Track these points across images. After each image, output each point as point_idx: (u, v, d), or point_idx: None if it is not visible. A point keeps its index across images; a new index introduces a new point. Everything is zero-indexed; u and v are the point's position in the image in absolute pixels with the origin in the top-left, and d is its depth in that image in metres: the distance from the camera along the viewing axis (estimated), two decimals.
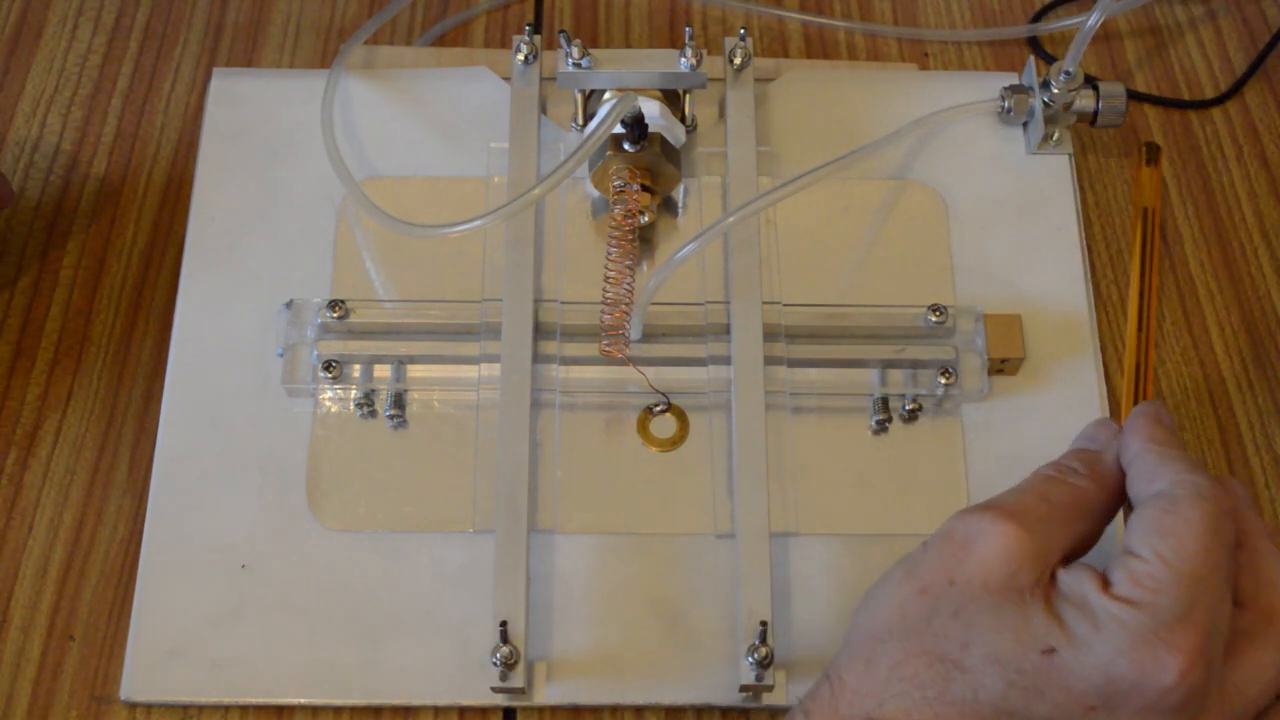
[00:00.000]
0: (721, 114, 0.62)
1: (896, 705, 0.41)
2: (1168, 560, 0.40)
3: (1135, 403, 0.57)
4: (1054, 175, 0.62)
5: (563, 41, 0.57)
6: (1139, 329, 0.59)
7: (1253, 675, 0.41)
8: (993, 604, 0.41)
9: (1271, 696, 0.42)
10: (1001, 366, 0.57)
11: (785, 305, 0.57)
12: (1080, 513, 0.44)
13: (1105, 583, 0.41)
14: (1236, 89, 0.67)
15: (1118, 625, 0.39)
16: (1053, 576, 0.42)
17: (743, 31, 0.62)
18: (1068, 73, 0.60)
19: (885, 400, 0.56)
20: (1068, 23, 0.68)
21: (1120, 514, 0.45)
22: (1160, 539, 0.40)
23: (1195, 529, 0.40)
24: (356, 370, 0.56)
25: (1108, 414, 0.57)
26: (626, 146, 0.57)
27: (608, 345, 0.56)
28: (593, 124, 0.57)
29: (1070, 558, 0.43)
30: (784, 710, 0.51)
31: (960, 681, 0.41)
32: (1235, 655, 0.41)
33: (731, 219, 0.54)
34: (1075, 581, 0.41)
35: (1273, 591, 0.42)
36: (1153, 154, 0.63)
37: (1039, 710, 0.40)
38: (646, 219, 0.58)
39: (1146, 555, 0.40)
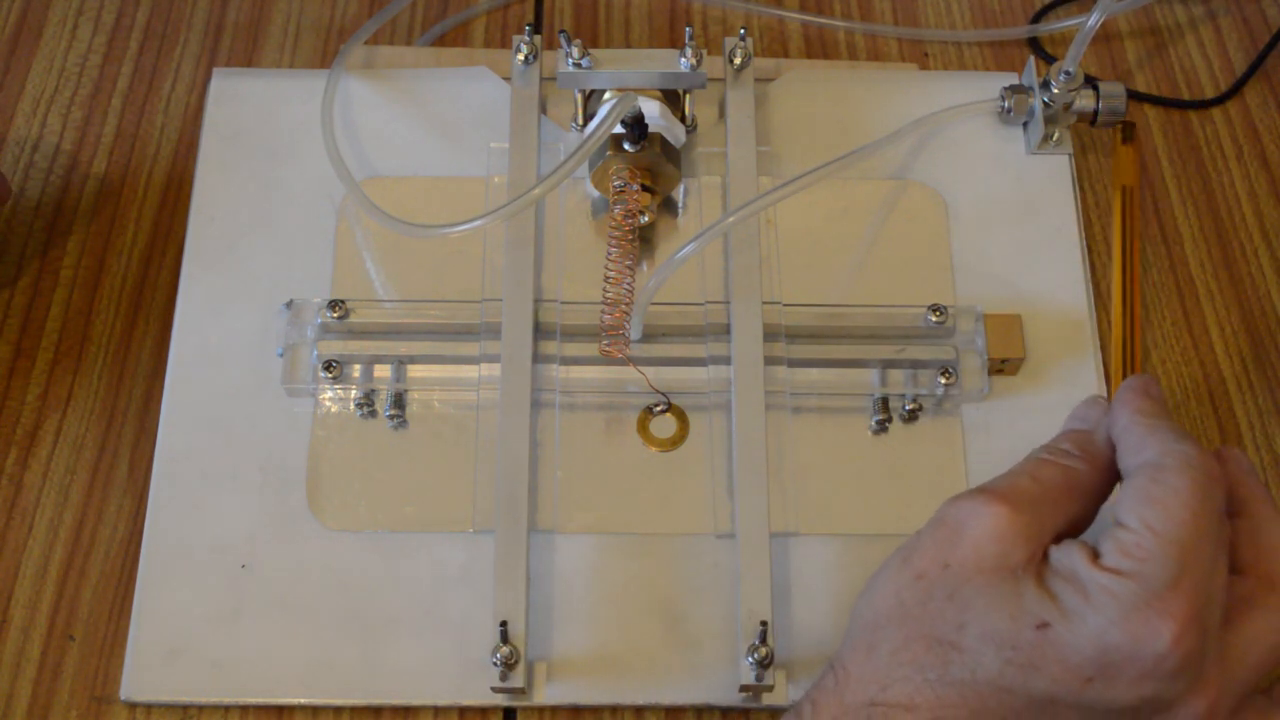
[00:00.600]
0: (721, 114, 0.62)
1: (899, 689, 0.42)
2: (1155, 529, 0.40)
3: (1124, 378, 0.57)
4: (1054, 175, 0.62)
5: (563, 41, 0.57)
6: (1124, 306, 0.59)
7: (1254, 641, 0.41)
8: (986, 584, 0.41)
9: (1275, 663, 0.42)
10: (1001, 366, 0.57)
11: (785, 305, 0.57)
12: (1072, 492, 0.44)
13: (1095, 555, 0.41)
14: (1236, 89, 0.67)
15: (1108, 596, 0.39)
16: (1045, 554, 0.42)
17: (743, 31, 0.62)
18: (1068, 73, 0.60)
19: (885, 400, 0.56)
20: (1068, 23, 0.68)
21: (1116, 491, 0.45)
22: (1148, 508, 0.40)
23: (1183, 496, 0.40)
24: (356, 370, 0.56)
25: None
26: (626, 146, 0.57)
27: (608, 345, 0.56)
28: (593, 124, 0.57)
29: (1065, 538, 0.43)
30: (784, 710, 0.51)
31: (958, 662, 0.41)
32: (1235, 622, 0.41)
33: (731, 219, 0.54)
34: (1066, 556, 0.41)
35: (1273, 557, 0.42)
36: (1128, 132, 0.63)
37: (1037, 685, 0.40)
38: (646, 219, 0.58)
39: (1134, 525, 0.40)
